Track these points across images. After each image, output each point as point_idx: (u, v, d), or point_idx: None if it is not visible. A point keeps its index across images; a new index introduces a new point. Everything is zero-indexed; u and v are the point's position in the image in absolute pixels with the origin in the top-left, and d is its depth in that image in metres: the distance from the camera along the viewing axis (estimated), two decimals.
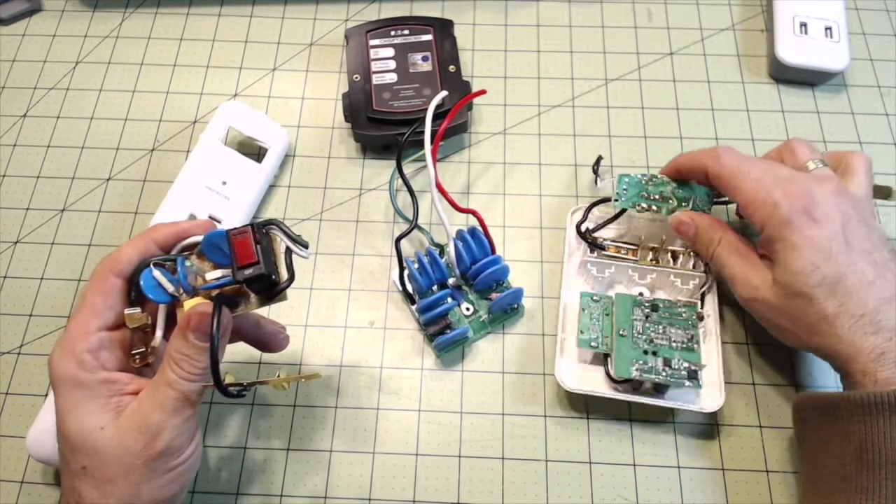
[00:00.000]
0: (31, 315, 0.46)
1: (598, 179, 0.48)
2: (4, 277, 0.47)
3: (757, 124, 0.52)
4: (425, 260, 0.43)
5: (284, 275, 0.33)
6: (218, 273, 0.32)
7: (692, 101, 0.53)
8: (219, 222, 0.46)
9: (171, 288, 0.33)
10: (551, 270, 0.47)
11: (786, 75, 0.53)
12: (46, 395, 0.43)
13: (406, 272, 0.43)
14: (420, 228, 0.47)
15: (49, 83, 0.54)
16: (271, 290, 0.33)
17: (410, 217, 0.45)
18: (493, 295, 0.44)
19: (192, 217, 0.46)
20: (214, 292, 0.32)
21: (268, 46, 0.55)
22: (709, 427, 0.42)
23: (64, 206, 0.49)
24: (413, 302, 0.44)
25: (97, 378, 0.31)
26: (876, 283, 0.35)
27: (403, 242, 0.44)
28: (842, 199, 0.37)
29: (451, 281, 0.44)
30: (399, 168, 0.45)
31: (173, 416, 0.31)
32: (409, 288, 0.44)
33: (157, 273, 0.32)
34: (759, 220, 0.37)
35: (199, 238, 0.33)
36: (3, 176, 0.50)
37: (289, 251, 0.33)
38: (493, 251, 0.44)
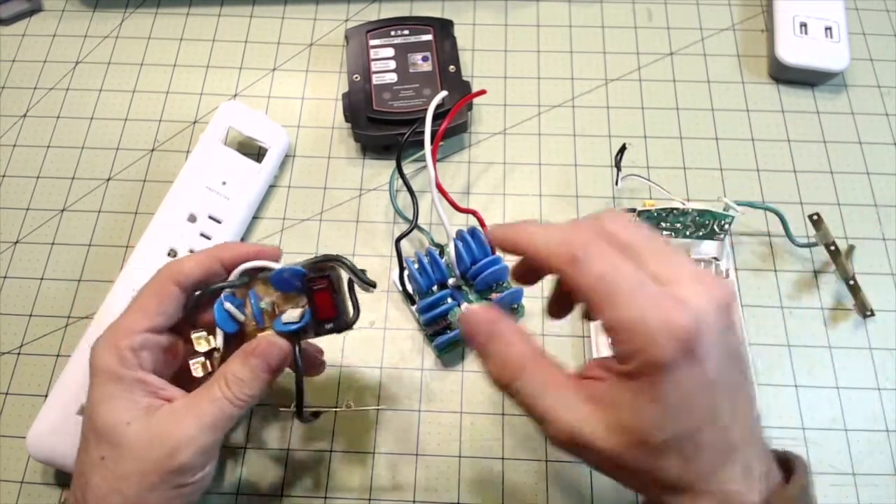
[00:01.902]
0: (31, 315, 0.46)
1: (619, 177, 0.46)
2: (4, 277, 0.47)
3: (757, 124, 0.52)
4: (425, 260, 0.43)
5: (350, 312, 0.34)
6: (296, 315, 0.33)
7: (692, 101, 0.53)
8: (219, 222, 0.46)
9: (240, 318, 0.34)
10: None
11: (786, 75, 0.53)
12: (46, 396, 0.43)
13: (406, 272, 0.43)
14: (420, 228, 0.47)
15: (49, 83, 0.54)
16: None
17: (410, 217, 0.45)
18: (493, 295, 0.43)
19: (193, 217, 0.46)
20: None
21: (268, 46, 0.55)
22: None
23: (64, 206, 0.49)
24: (413, 302, 0.44)
25: (134, 376, 0.32)
26: (730, 429, 0.28)
27: (403, 242, 0.44)
28: (727, 322, 0.28)
29: (451, 281, 0.44)
30: (399, 168, 0.45)
31: (205, 433, 0.31)
32: (409, 288, 0.44)
33: (228, 306, 0.34)
34: (627, 351, 0.27)
35: (262, 263, 0.34)
36: (3, 176, 0.50)
37: (352, 284, 0.34)
38: (494, 251, 0.44)
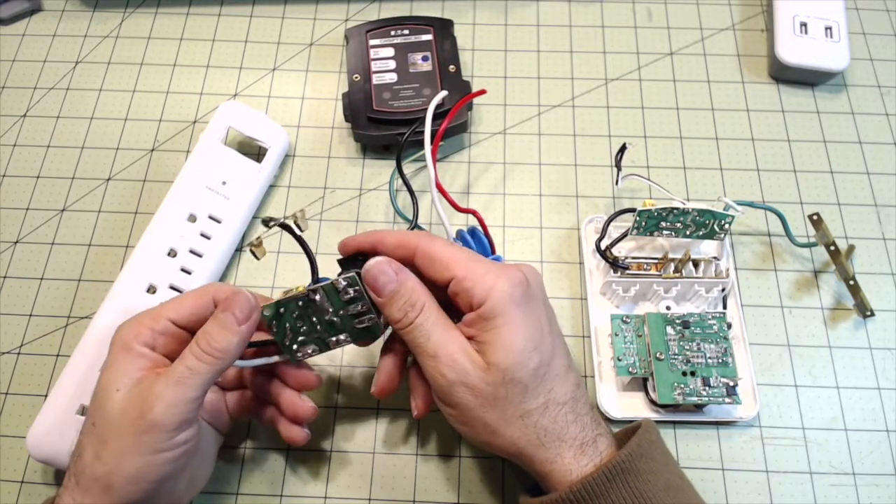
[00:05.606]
0: (31, 315, 0.46)
1: (620, 176, 0.46)
2: (4, 277, 0.47)
3: (757, 124, 0.52)
4: None
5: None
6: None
7: (692, 101, 0.53)
8: (219, 222, 0.46)
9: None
10: (551, 270, 0.47)
11: (786, 75, 0.53)
12: (46, 396, 0.43)
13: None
14: (420, 228, 0.47)
15: (49, 83, 0.54)
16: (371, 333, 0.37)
17: (410, 217, 0.45)
18: None
19: (193, 217, 0.45)
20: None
21: (268, 46, 0.55)
22: (708, 428, 0.42)
23: (64, 206, 0.49)
24: None
25: (140, 350, 0.33)
26: (571, 368, 0.35)
27: None
28: (540, 279, 0.36)
29: None
30: (399, 168, 0.45)
31: (171, 387, 0.31)
32: None
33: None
34: (479, 294, 0.33)
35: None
36: (3, 176, 0.50)
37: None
38: (493, 251, 0.44)
